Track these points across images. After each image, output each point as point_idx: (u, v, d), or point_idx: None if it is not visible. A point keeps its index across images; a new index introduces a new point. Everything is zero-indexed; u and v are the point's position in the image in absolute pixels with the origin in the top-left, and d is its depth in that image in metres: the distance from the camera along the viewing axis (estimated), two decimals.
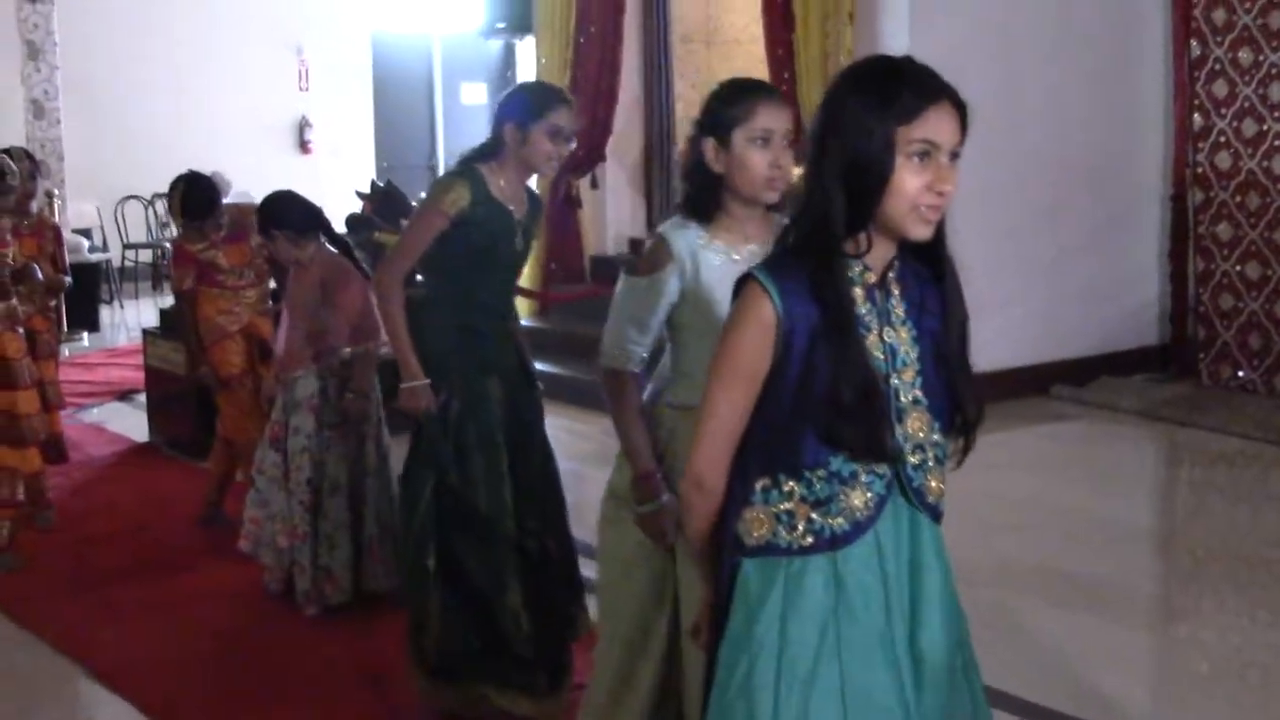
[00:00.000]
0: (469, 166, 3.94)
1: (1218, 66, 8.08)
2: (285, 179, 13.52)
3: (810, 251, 2.19)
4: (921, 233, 2.17)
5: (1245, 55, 7.94)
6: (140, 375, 8.01)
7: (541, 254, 9.84)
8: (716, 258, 3.00)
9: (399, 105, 16.36)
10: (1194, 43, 8.18)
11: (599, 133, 9.81)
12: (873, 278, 2.23)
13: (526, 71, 13.42)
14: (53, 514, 5.98)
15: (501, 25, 11.10)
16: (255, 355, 5.98)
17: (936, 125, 2.13)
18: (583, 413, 7.86)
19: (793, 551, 2.21)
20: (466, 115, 16.97)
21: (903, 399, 2.24)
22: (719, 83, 3.10)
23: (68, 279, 6.41)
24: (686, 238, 3.02)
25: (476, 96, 17.03)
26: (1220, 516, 6.31)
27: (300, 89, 15.23)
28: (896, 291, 2.25)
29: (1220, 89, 8.07)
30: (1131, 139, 8.56)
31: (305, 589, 4.86)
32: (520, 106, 3.89)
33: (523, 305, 9.93)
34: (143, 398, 7.95)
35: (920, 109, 2.12)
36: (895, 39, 7.59)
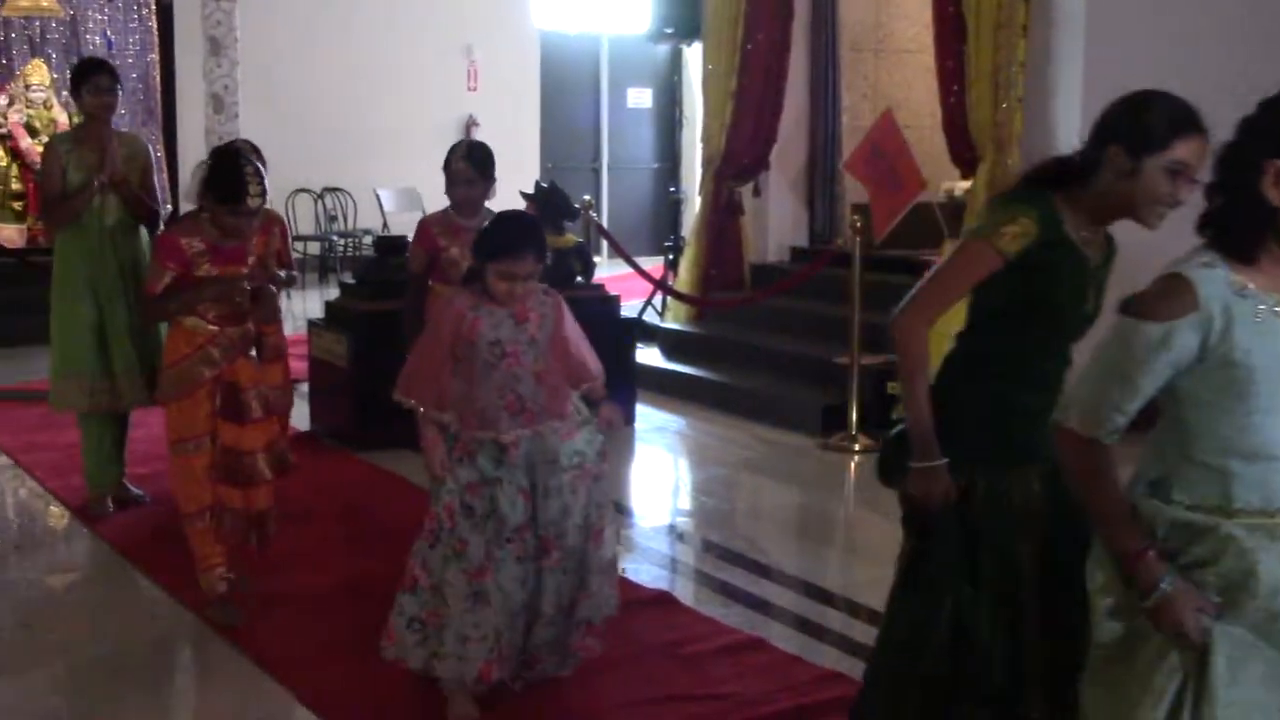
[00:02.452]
0: (1040, 192, 2.99)
1: None
2: None
3: None
4: None
5: None
6: (304, 365, 8.17)
7: (701, 260, 9.85)
8: (1255, 310, 2.31)
9: (565, 106, 16.49)
10: None
11: (763, 140, 9.77)
12: None
13: (694, 77, 13.43)
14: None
15: (669, 30, 11.12)
16: None
17: None
18: (735, 420, 7.83)
19: None
20: (632, 118, 17.05)
21: None
22: None
23: (294, 274, 5.98)
24: (1215, 282, 2.33)
25: (642, 100, 17.09)
26: None
27: (468, 89, 15.43)
28: None
29: None
30: None
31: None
32: (1141, 126, 2.82)
33: (679, 311, 9.95)
34: (306, 387, 8.11)
35: None
36: (1070, 51, 7.44)
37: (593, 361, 4.09)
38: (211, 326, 4.66)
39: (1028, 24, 7.37)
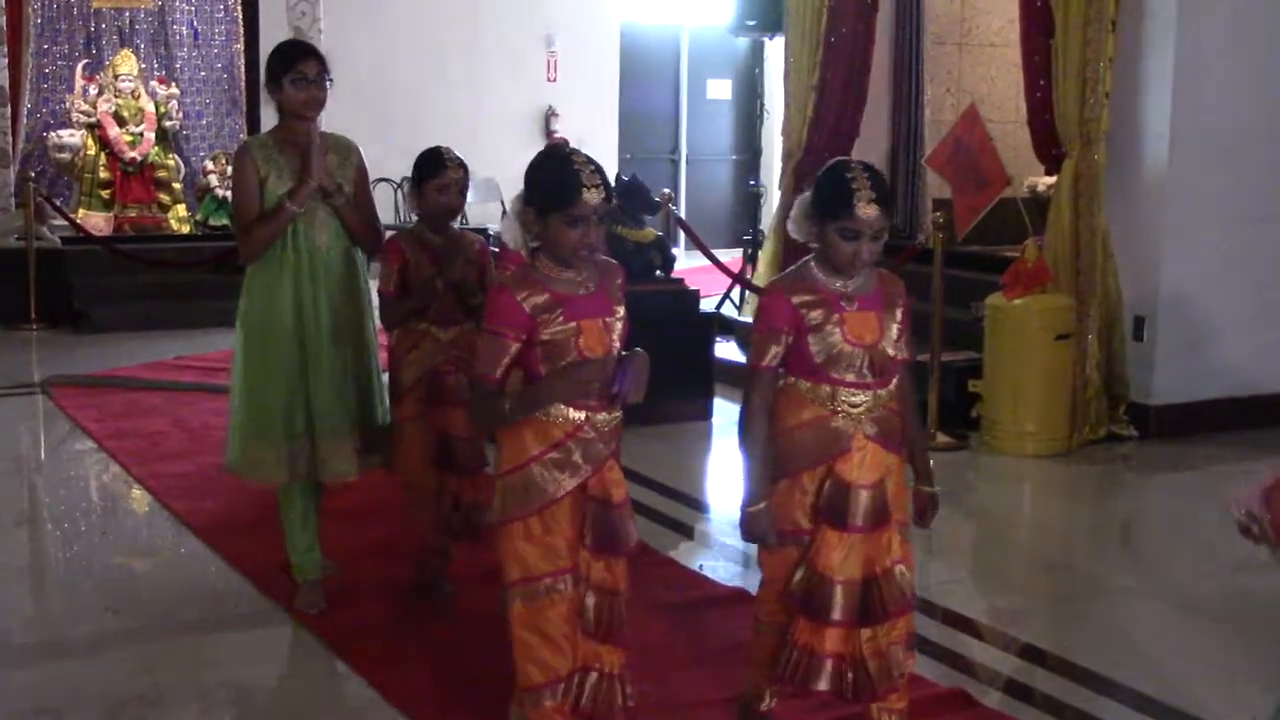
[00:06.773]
0: None
1: None
2: None
3: None
4: None
5: None
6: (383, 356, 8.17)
7: (780, 254, 9.79)
8: None
9: (644, 97, 16.51)
10: None
11: (845, 134, 9.70)
12: None
13: (775, 70, 13.39)
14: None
15: (751, 23, 11.10)
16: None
17: None
18: None
19: None
20: (711, 110, 17.03)
21: None
22: None
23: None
24: None
25: (721, 92, 17.07)
26: None
27: (548, 79, 15.48)
28: None
29: None
30: None
31: None
32: None
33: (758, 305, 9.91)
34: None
35: None
36: (1159, 46, 7.31)
37: None
38: (576, 413, 3.23)
39: (1117, 19, 7.25)
